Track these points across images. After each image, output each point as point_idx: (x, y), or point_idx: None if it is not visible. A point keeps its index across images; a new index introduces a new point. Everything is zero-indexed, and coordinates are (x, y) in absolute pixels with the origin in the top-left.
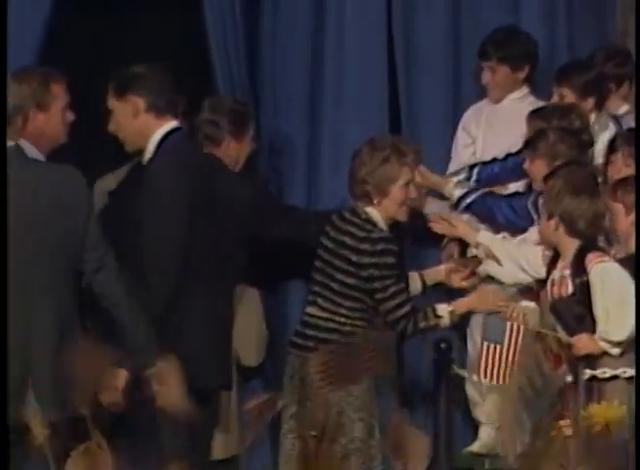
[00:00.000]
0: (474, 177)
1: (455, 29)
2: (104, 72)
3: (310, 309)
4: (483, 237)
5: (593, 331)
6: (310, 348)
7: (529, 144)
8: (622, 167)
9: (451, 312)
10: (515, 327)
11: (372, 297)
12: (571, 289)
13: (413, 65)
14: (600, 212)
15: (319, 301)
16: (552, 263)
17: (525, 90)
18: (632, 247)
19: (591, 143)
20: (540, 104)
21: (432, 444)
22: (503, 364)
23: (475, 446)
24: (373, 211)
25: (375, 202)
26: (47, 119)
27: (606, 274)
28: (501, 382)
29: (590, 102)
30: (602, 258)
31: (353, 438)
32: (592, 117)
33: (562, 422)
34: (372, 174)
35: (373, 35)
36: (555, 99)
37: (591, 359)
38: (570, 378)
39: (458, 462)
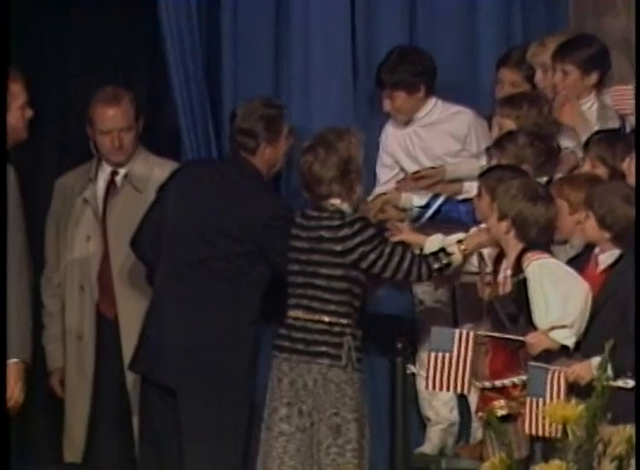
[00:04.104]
0: (433, 208)
1: (411, 23)
2: (61, 71)
3: (294, 313)
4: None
5: (524, 333)
6: (299, 350)
7: (498, 143)
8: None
9: (463, 250)
10: (464, 334)
11: (370, 271)
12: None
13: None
14: (552, 221)
15: (304, 302)
16: (497, 263)
17: (430, 103)
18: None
19: (559, 150)
20: (453, 107)
21: (389, 443)
22: (453, 372)
23: (426, 448)
24: (342, 204)
25: (355, 189)
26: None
27: (544, 269)
28: (451, 390)
29: (594, 76)
30: (540, 255)
31: (350, 438)
32: (592, 95)
33: (495, 402)
34: (352, 162)
35: (337, 33)
36: (558, 76)
37: (548, 358)
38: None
39: (414, 462)
